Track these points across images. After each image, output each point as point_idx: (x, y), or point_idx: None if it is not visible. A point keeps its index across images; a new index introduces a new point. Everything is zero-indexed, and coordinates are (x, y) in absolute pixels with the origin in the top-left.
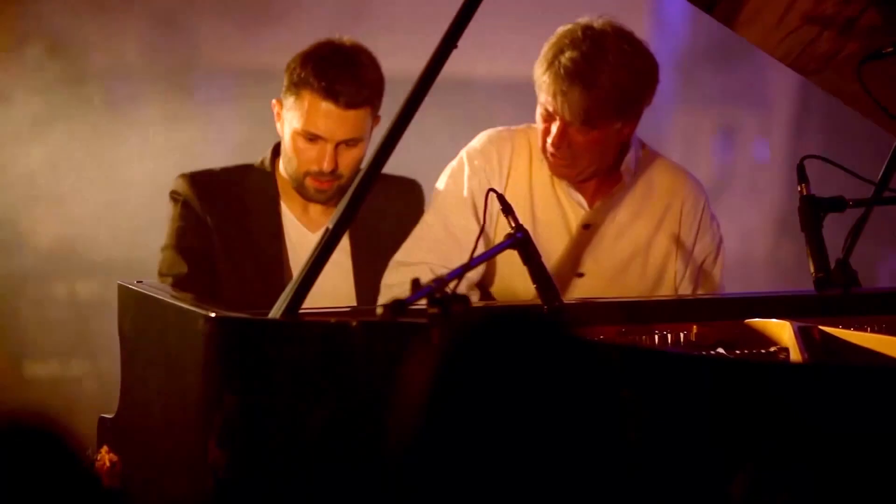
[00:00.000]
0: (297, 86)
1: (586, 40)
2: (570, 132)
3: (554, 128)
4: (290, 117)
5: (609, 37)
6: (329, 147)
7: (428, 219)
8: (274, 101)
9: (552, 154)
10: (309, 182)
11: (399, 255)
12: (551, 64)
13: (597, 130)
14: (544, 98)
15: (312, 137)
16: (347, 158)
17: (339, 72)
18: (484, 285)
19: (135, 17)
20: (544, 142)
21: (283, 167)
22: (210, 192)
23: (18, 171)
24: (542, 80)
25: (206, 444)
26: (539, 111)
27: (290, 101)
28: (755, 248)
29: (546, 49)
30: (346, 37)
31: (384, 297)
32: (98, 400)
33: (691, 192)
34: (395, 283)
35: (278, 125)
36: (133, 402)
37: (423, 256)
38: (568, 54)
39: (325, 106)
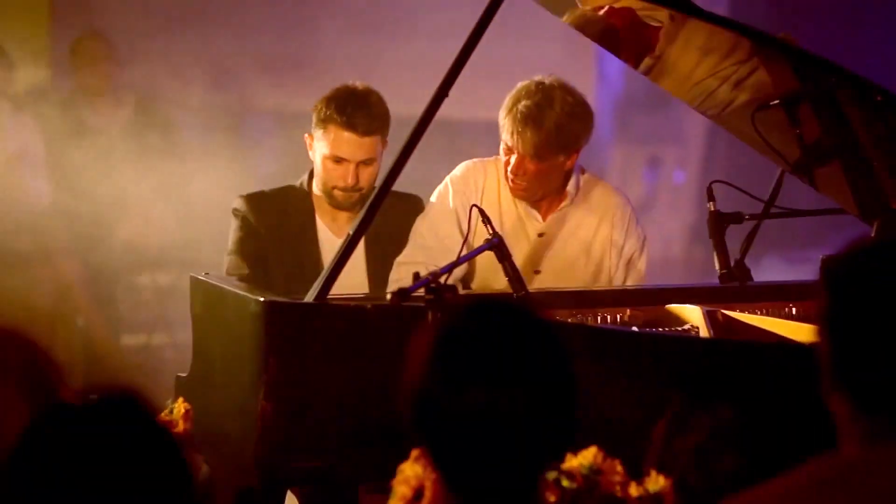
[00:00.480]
0: (323, 121)
1: (538, 92)
2: (525, 163)
3: (513, 160)
4: (319, 146)
5: (556, 90)
6: (351, 167)
7: (422, 230)
8: (306, 134)
9: (512, 181)
10: (337, 193)
11: (401, 258)
12: (510, 110)
13: (545, 162)
14: (505, 136)
15: (338, 160)
16: (365, 174)
17: (355, 108)
18: (466, 281)
19: (198, 68)
20: (506, 171)
21: (315, 186)
22: (262, 208)
23: (112, 189)
24: (504, 123)
25: (256, 398)
26: (502, 146)
27: (318, 133)
28: (674, 252)
29: (507, 99)
30: (359, 82)
31: (391, 289)
32: (175, 363)
33: (620, 205)
34: (397, 279)
35: (310, 153)
36: (202, 364)
37: (419, 258)
38: (524, 103)
39: (347, 135)
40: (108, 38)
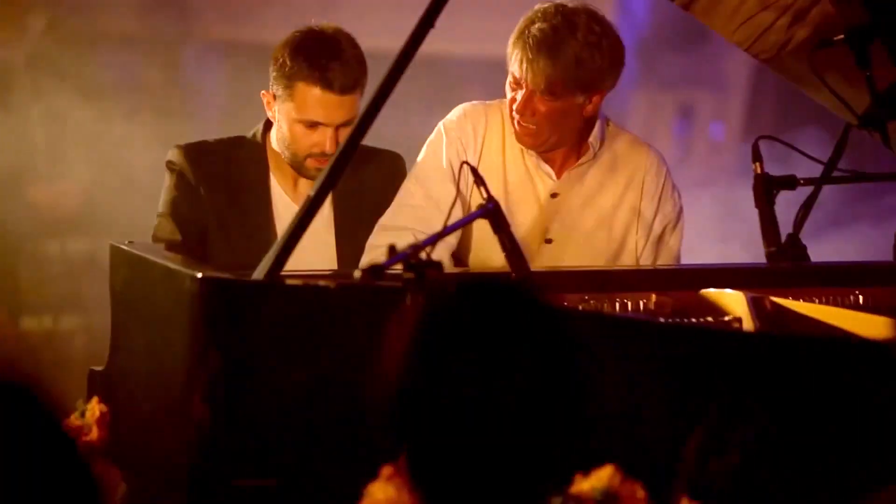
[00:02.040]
0: (289, 78)
1: (558, 15)
2: (534, 100)
3: (519, 96)
4: (286, 108)
5: (580, 15)
6: (329, 131)
7: (410, 186)
8: (263, 91)
9: (517, 122)
10: (310, 163)
11: (384, 220)
12: (522, 33)
13: (559, 101)
14: (513, 66)
15: (313, 124)
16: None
17: (329, 61)
18: (460, 257)
19: None
20: (511, 110)
21: (279, 148)
22: (204, 162)
23: (11, 136)
24: (512, 50)
25: (191, 399)
26: (508, 80)
27: (282, 91)
28: (710, 224)
29: (520, 22)
30: (324, 23)
31: (367, 257)
32: (88, 353)
33: (653, 165)
34: (379, 245)
35: (269, 112)
36: (122, 356)
37: (405, 222)
38: (538, 25)
39: (323, 95)
40: None
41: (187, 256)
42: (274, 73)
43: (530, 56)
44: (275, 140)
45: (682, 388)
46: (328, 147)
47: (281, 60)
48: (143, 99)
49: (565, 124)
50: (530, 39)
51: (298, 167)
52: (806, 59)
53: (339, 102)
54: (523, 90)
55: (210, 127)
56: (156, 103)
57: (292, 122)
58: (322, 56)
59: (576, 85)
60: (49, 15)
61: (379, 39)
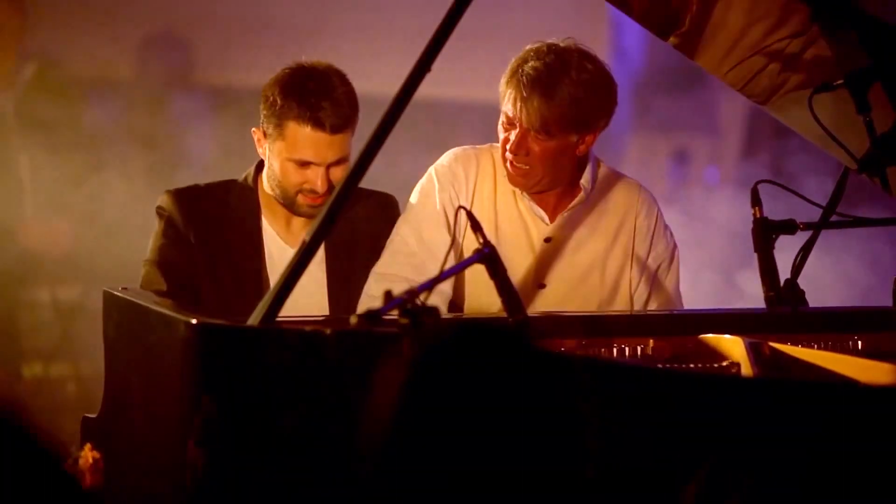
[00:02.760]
0: (279, 117)
1: (550, 54)
2: (528, 140)
3: (513, 135)
4: (277, 146)
5: (572, 54)
6: (321, 170)
7: (403, 233)
8: (254, 129)
9: (511, 162)
10: (301, 199)
11: (379, 267)
12: (514, 73)
13: (553, 141)
14: (506, 106)
15: (304, 163)
16: (337, 175)
17: (321, 99)
18: (455, 304)
19: (117, 30)
20: (504, 150)
21: (270, 188)
22: (194, 207)
23: (6, 181)
24: (505, 90)
25: (185, 444)
26: (501, 120)
27: (274, 131)
28: (707, 268)
29: (512, 61)
30: (315, 59)
31: (364, 306)
32: (80, 400)
33: (644, 205)
34: (376, 294)
35: (259, 150)
36: (116, 402)
37: (399, 269)
38: (531, 64)
39: (313, 134)
40: None
41: (179, 302)
42: (264, 112)
43: (524, 95)
44: (266, 179)
45: (680, 431)
46: (319, 186)
47: (271, 98)
48: (133, 145)
49: (559, 164)
50: (524, 78)
51: (290, 204)
52: (800, 101)
53: (329, 142)
54: (517, 130)
55: (198, 173)
56: (146, 150)
57: (283, 160)
58: (313, 95)
59: (570, 124)
60: (38, 63)
61: (370, 83)
